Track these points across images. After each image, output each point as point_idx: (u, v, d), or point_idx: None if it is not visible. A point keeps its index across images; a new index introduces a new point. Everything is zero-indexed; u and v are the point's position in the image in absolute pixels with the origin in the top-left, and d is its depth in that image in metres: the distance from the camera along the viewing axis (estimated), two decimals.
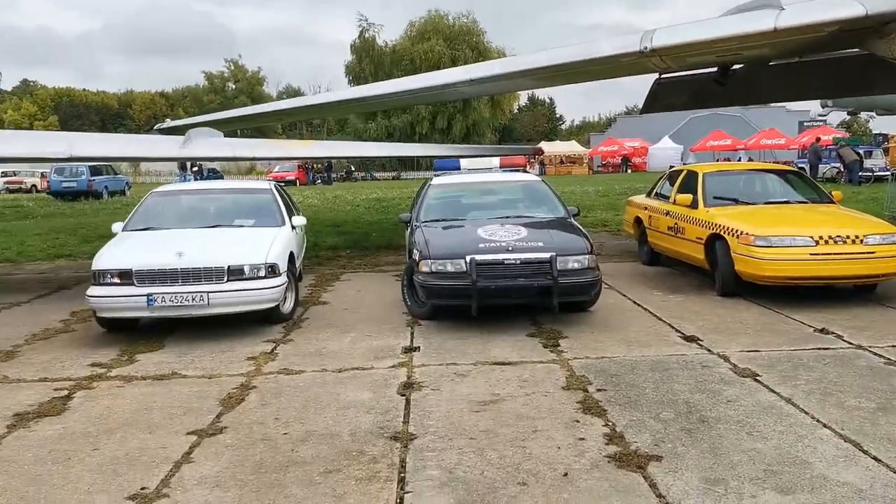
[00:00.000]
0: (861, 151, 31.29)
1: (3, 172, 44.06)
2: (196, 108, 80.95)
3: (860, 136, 49.37)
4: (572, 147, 67.66)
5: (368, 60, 65.88)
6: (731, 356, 6.31)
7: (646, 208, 11.56)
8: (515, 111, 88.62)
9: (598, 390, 5.51)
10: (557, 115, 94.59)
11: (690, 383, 5.61)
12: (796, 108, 58.61)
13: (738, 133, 54.55)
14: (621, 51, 9.00)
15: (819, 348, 6.53)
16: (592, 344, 6.88)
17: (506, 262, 7.31)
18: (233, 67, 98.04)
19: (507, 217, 8.61)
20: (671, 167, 11.34)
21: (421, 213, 8.92)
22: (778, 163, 43.94)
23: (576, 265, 7.46)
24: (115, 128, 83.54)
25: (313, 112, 17.53)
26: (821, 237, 8.06)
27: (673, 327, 7.43)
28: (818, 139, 35.45)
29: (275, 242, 8.01)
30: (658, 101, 13.48)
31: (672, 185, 10.94)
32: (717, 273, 8.92)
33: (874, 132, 49.71)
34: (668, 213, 10.50)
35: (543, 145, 67.74)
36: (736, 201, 9.66)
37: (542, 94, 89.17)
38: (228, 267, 7.33)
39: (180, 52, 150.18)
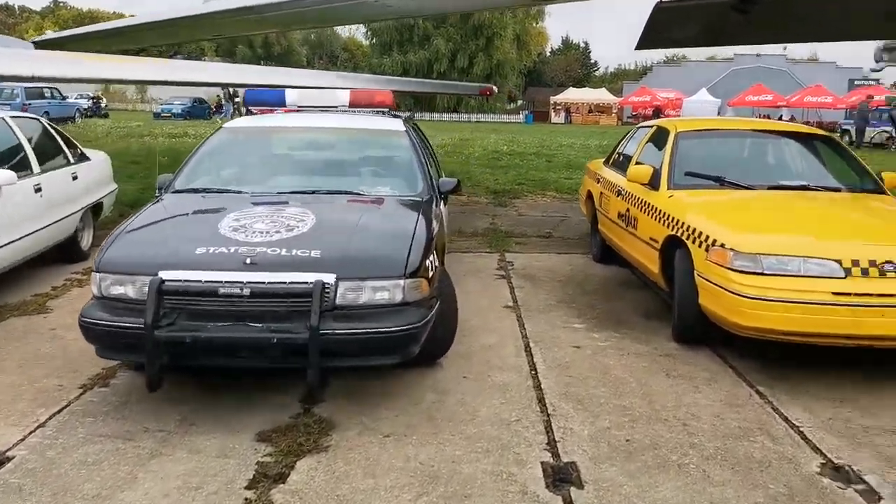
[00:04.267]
0: None
1: None
2: None
3: None
4: (602, 95, 63.00)
5: None
6: None
7: (598, 180, 7.85)
8: (547, 54, 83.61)
9: None
10: (592, 61, 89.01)
11: None
12: (848, 64, 53.51)
13: (782, 89, 49.73)
14: None
15: None
16: (353, 479, 3.36)
17: (222, 289, 3.75)
18: None
19: (316, 192, 5.06)
20: (641, 124, 7.43)
21: (182, 175, 5.37)
22: (822, 124, 39.49)
23: (378, 298, 3.91)
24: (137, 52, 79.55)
25: (180, 30, 13.54)
26: (856, 261, 4.39)
27: (548, 433, 3.87)
28: (869, 98, 30.90)
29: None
30: (659, 33, 9.60)
31: (637, 148, 7.19)
32: (674, 301, 5.29)
33: None
34: (619, 193, 6.81)
35: (570, 92, 63.38)
36: (721, 182, 5.89)
37: (577, 37, 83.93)
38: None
39: None
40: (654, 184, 6.01)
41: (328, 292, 3.82)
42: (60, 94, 30.55)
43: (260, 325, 3.77)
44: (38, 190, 6.42)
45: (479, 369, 4.69)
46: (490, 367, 4.74)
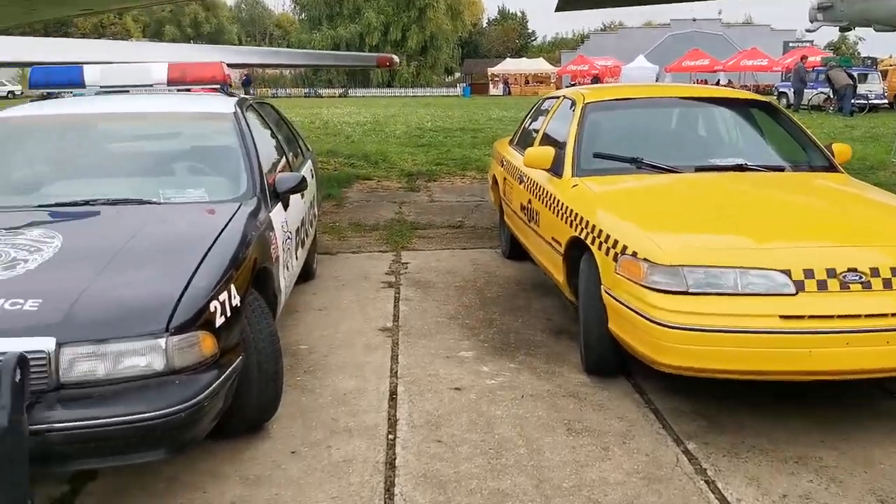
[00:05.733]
0: (854, 74, 26.16)
1: None
2: None
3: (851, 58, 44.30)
4: (540, 65, 61.99)
5: None
6: None
7: (502, 163, 6.63)
8: (484, 25, 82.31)
9: None
10: (529, 31, 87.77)
11: None
12: (782, 26, 53.35)
13: (719, 53, 49.20)
14: None
15: None
16: None
17: None
18: None
19: (91, 203, 3.75)
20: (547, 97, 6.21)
21: None
22: (758, 88, 38.92)
23: (126, 367, 2.65)
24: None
25: None
26: (809, 271, 3.25)
27: None
28: (803, 58, 30.29)
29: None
30: None
31: (541, 125, 5.96)
32: (580, 323, 4.11)
33: (863, 55, 44.36)
34: (521, 180, 5.60)
35: (507, 63, 62.13)
36: (639, 165, 4.67)
37: (514, 6, 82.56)
38: None
39: None
40: (556, 170, 4.81)
41: (41, 366, 2.54)
42: None
43: None
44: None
45: (319, 436, 3.46)
46: (335, 430, 3.51)
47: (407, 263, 6.61)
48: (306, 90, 57.13)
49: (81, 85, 4.86)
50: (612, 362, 3.93)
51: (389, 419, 3.62)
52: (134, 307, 2.76)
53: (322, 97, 52.90)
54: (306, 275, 5.81)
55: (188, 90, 5.05)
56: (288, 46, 66.48)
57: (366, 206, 9.55)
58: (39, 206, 3.77)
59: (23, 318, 2.64)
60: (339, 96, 53.95)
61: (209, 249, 3.17)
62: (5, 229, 3.35)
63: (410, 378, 4.09)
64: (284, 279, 4.08)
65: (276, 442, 3.42)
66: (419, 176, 12.04)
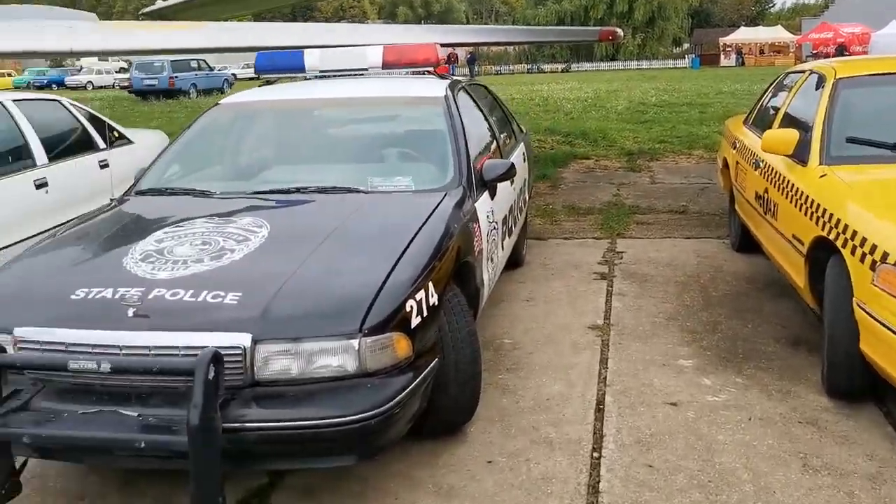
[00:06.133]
0: None
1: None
2: None
3: None
4: (777, 34, 57.73)
5: None
6: None
7: (734, 145, 5.99)
8: None
9: None
10: None
11: None
12: None
13: None
14: None
15: None
16: None
17: (72, 362, 2.47)
18: None
19: (302, 190, 3.72)
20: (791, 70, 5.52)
21: (153, 168, 4.18)
22: None
23: (320, 367, 2.55)
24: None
25: None
26: None
27: None
28: None
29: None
30: None
31: (782, 103, 5.28)
32: (823, 336, 3.53)
33: None
34: (757, 166, 5.00)
35: (741, 32, 58.29)
36: None
37: None
38: None
39: None
40: (799, 156, 4.20)
41: (237, 362, 2.49)
42: (208, 65, 30.92)
43: (135, 413, 2.50)
44: (41, 185, 5.50)
45: (518, 445, 3.22)
46: (536, 440, 3.25)
47: (622, 252, 6.19)
48: (528, 66, 56.96)
49: (302, 70, 4.92)
50: (861, 386, 3.35)
51: (595, 433, 3.30)
52: (329, 306, 2.65)
53: (544, 72, 52.53)
54: (515, 262, 5.60)
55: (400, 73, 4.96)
56: (513, 23, 66.66)
57: (582, 188, 9.17)
58: (254, 192, 3.81)
59: (222, 312, 2.61)
60: (562, 71, 53.25)
61: (408, 244, 3.00)
62: (220, 216, 3.39)
63: (620, 387, 3.73)
64: (488, 273, 3.86)
65: (473, 448, 3.22)
66: (640, 155, 11.43)
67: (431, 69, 4.87)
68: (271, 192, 3.77)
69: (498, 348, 4.26)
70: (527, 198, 5.72)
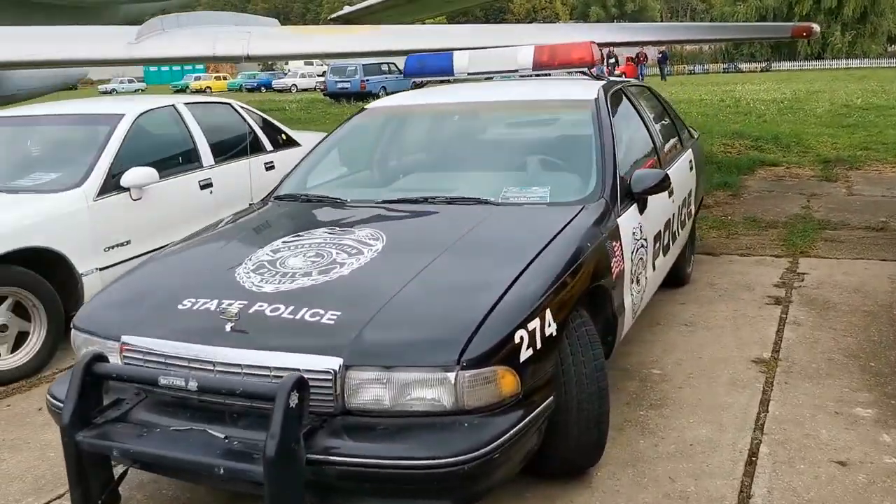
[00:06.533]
0: None
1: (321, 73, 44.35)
2: None
3: None
4: None
5: None
6: None
7: None
8: None
9: None
10: None
11: None
12: None
13: None
14: None
15: None
16: None
17: (163, 378, 2.38)
18: None
19: (431, 200, 3.50)
20: None
21: (295, 173, 4.13)
22: None
23: (414, 400, 2.32)
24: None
25: None
26: None
27: None
28: None
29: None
30: None
31: None
32: None
33: None
34: None
35: None
36: None
37: None
38: None
39: None
40: None
41: (327, 388, 2.31)
42: (398, 68, 31.70)
43: (222, 435, 2.38)
44: (205, 186, 5.67)
45: (648, 499, 2.83)
46: (670, 495, 2.85)
47: (804, 274, 5.52)
48: (725, 65, 54.17)
49: (451, 72, 4.71)
50: None
51: (741, 492, 2.84)
52: (427, 333, 2.42)
53: (742, 72, 49.77)
54: (678, 280, 5.12)
55: (548, 75, 4.63)
56: (710, 20, 63.78)
57: (766, 198, 8.40)
58: (383, 201, 3.64)
59: (317, 332, 2.44)
60: (761, 71, 50.23)
61: (526, 267, 2.70)
62: (341, 226, 3.25)
63: (780, 436, 3.22)
64: (631, 297, 3.47)
65: (595, 496, 2.86)
66: (838, 163, 10.37)
67: (586, 69, 4.50)
68: (399, 200, 3.59)
69: (644, 379, 3.85)
70: (692, 210, 5.21)
